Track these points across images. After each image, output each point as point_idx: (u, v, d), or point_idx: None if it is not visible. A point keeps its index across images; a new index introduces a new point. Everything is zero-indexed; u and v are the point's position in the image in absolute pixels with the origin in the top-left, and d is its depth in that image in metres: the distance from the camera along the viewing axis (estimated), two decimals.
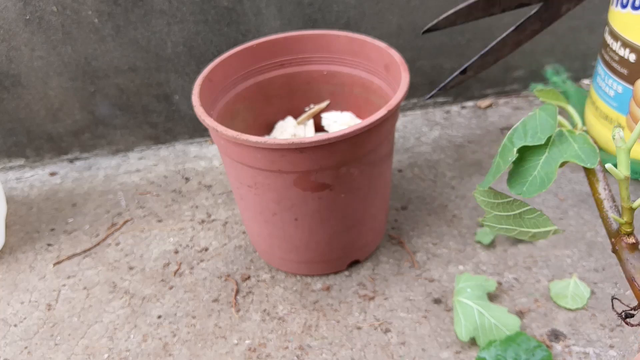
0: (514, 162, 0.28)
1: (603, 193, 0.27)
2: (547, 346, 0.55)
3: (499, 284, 0.61)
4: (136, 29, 0.76)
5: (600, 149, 0.77)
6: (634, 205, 0.25)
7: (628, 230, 0.25)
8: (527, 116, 0.29)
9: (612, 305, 0.27)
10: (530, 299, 0.59)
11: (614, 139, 0.25)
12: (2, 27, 0.73)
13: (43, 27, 0.74)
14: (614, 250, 0.25)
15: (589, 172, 0.28)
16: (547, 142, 0.28)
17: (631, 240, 0.25)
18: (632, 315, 0.25)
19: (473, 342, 0.55)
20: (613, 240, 0.25)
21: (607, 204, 0.26)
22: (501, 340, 0.53)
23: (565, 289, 0.59)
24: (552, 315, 0.58)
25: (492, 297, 0.60)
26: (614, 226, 0.26)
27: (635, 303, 0.27)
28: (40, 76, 0.78)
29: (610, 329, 0.56)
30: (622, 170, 0.24)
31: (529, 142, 0.27)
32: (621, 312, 0.26)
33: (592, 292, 0.59)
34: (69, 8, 0.73)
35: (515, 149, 0.27)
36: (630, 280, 0.25)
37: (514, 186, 0.27)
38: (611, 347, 0.54)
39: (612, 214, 0.26)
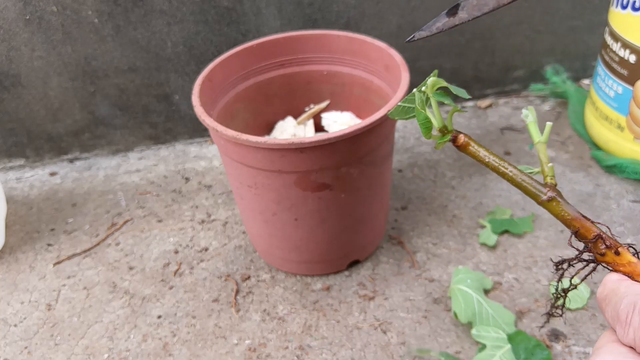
0: None
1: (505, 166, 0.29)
2: (547, 346, 0.55)
3: (499, 284, 0.61)
4: (136, 29, 0.76)
5: (600, 148, 0.77)
6: (550, 169, 0.28)
7: (553, 182, 0.27)
8: None
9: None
10: (530, 298, 0.59)
11: (526, 118, 0.29)
12: (2, 27, 0.73)
13: (43, 27, 0.74)
14: (547, 202, 0.27)
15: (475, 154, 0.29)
16: None
17: (557, 190, 0.27)
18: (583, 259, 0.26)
19: (473, 343, 0.55)
20: (544, 194, 0.27)
21: (517, 173, 0.28)
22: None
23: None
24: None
25: (492, 296, 0.60)
26: (535, 189, 0.27)
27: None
28: (40, 76, 0.78)
29: None
30: (537, 137, 0.29)
31: None
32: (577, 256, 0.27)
33: (592, 292, 0.59)
34: (69, 8, 0.73)
35: None
36: (579, 218, 0.26)
37: None
38: None
39: (545, 168, 0.28)
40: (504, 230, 0.67)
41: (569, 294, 0.59)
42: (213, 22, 0.77)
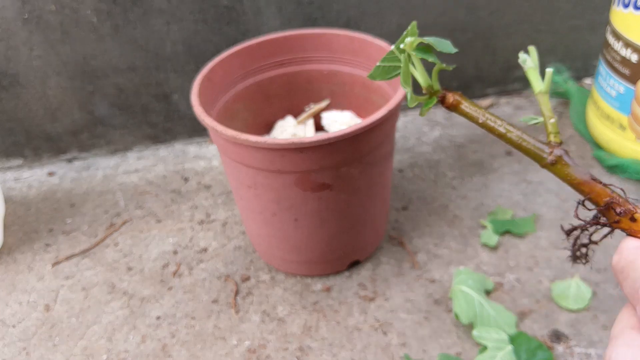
0: None
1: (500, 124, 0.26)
2: (549, 347, 0.54)
3: (501, 284, 0.61)
4: (135, 28, 0.75)
5: (602, 148, 0.77)
6: (553, 125, 0.25)
7: (558, 140, 0.25)
8: None
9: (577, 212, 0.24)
10: (531, 299, 0.59)
11: (524, 63, 0.26)
12: (1, 26, 0.72)
13: (41, 26, 0.73)
14: (551, 165, 0.24)
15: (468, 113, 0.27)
16: None
17: (563, 149, 0.25)
18: (599, 223, 0.23)
19: (474, 344, 0.55)
20: (547, 154, 0.24)
21: (515, 132, 0.25)
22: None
23: (567, 290, 0.59)
24: (554, 316, 0.57)
25: (493, 297, 0.60)
26: (538, 150, 0.25)
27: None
28: (38, 76, 0.77)
29: None
30: (537, 86, 0.26)
31: None
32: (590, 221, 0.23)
33: (594, 293, 0.59)
34: (67, 7, 0.72)
35: None
36: (588, 181, 0.23)
37: None
38: None
39: (548, 123, 0.25)
40: (505, 230, 0.67)
41: (574, 296, 0.58)
42: (212, 21, 0.76)
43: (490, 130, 0.26)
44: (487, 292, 0.60)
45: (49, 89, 0.79)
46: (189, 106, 0.84)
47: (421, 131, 0.86)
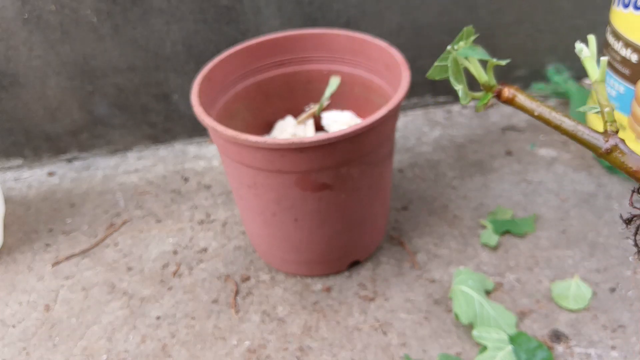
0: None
1: (554, 115, 0.26)
2: (549, 347, 0.54)
3: (501, 284, 0.61)
4: (135, 28, 0.75)
5: None
6: (608, 114, 0.26)
7: (614, 128, 0.25)
8: None
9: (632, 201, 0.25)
10: (531, 299, 0.59)
11: (580, 53, 0.27)
12: (0, 26, 0.72)
13: (41, 26, 0.73)
14: (607, 154, 0.25)
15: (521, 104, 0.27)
16: None
17: (619, 138, 0.25)
18: None
19: (474, 345, 0.55)
20: (606, 141, 0.25)
21: (569, 123, 0.26)
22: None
23: (567, 290, 0.59)
24: (554, 316, 0.57)
25: (493, 297, 0.60)
26: (593, 139, 0.25)
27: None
28: (38, 75, 0.77)
29: (612, 330, 0.55)
30: (594, 75, 0.26)
31: None
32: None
33: (594, 293, 0.59)
34: (67, 7, 0.72)
35: None
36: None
37: None
38: (613, 348, 0.54)
39: (604, 112, 0.26)
40: (505, 230, 0.67)
41: (574, 296, 0.58)
42: (212, 21, 0.76)
43: (546, 121, 0.27)
44: (487, 292, 0.60)
45: (48, 88, 0.79)
46: (188, 106, 0.84)
47: (421, 131, 0.86)
